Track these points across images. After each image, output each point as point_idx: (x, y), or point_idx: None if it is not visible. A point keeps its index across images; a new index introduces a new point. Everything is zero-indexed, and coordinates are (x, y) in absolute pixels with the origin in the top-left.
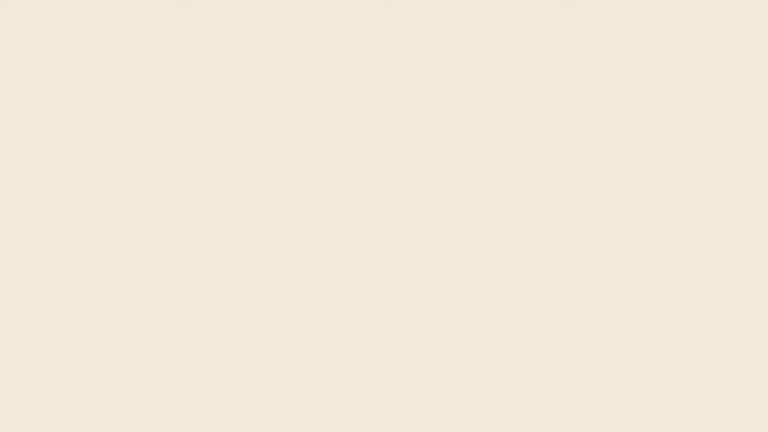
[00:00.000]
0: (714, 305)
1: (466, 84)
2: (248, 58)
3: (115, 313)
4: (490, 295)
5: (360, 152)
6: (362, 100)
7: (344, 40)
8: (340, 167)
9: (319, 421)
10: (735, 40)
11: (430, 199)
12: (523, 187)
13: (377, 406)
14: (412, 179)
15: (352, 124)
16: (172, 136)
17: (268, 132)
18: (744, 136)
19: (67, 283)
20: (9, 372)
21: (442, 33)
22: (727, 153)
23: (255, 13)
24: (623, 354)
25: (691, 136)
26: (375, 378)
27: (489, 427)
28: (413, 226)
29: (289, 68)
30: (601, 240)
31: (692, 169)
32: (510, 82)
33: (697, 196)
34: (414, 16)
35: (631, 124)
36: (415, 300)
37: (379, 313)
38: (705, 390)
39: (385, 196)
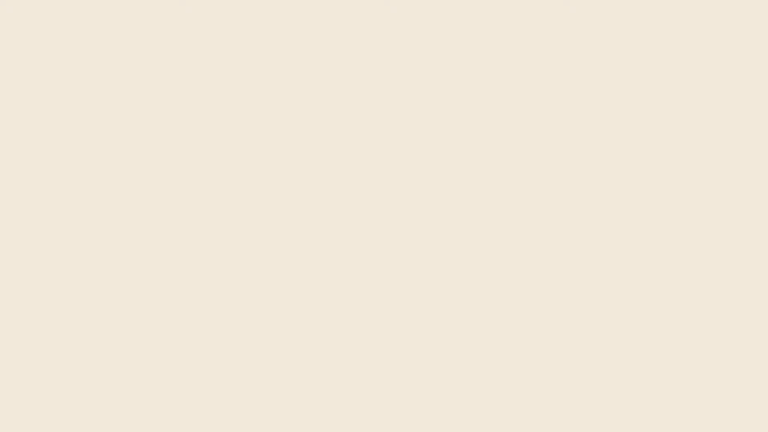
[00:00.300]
0: (714, 305)
1: (466, 84)
2: (248, 58)
3: (115, 313)
4: (491, 295)
5: (360, 152)
6: (362, 100)
7: (344, 40)
8: (340, 167)
9: (319, 421)
10: (735, 40)
11: (430, 199)
12: (523, 187)
13: (377, 406)
14: (412, 179)
15: (352, 124)
16: (172, 136)
17: (268, 132)
18: (744, 136)
19: (67, 283)
20: (9, 372)
21: (442, 33)
22: (727, 153)
23: (255, 13)
24: (623, 354)
25: (691, 136)
26: (375, 378)
27: (489, 427)
28: (413, 226)
29: (289, 68)
30: (601, 240)
31: (692, 169)
32: (510, 82)
33: (697, 196)
34: (414, 16)
35: (631, 124)
36: (415, 300)
37: (379, 313)
38: (705, 390)
39: (385, 196)
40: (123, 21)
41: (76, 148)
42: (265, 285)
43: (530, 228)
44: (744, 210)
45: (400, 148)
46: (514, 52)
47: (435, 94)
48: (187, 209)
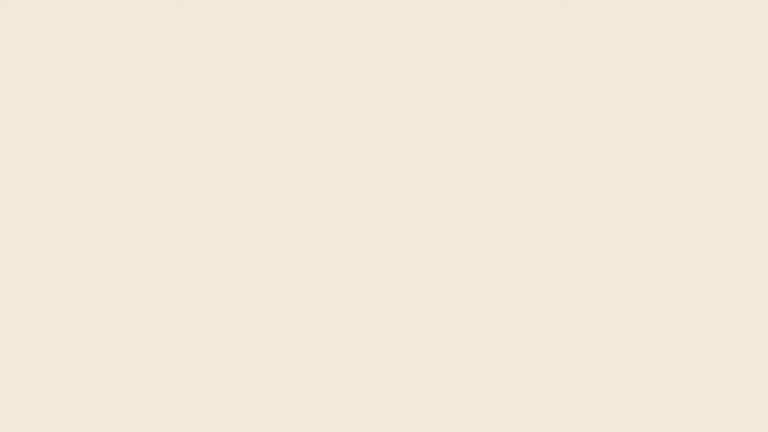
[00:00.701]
0: (714, 305)
1: (466, 84)
2: (248, 58)
3: (115, 313)
4: (490, 295)
5: (360, 152)
6: (362, 100)
7: (344, 40)
8: (340, 167)
9: (319, 421)
10: (735, 40)
11: (430, 199)
12: (523, 187)
13: (377, 406)
14: (412, 179)
15: (352, 124)
16: (172, 136)
17: (268, 132)
18: (744, 136)
19: (67, 283)
20: (9, 372)
21: (442, 33)
22: (727, 153)
23: (255, 13)
24: (623, 354)
25: (691, 136)
26: (375, 378)
27: (489, 427)
28: (413, 226)
29: (289, 68)
30: (601, 240)
31: (692, 169)
32: (510, 82)
33: (697, 196)
34: (414, 16)
35: (631, 124)
36: (415, 300)
37: (379, 313)
38: (705, 390)
39: (385, 196)
40: (123, 21)
41: (76, 148)
42: (265, 285)
43: (530, 228)
44: (744, 210)
45: (400, 148)
46: (514, 52)
47: (435, 94)
48: (187, 209)
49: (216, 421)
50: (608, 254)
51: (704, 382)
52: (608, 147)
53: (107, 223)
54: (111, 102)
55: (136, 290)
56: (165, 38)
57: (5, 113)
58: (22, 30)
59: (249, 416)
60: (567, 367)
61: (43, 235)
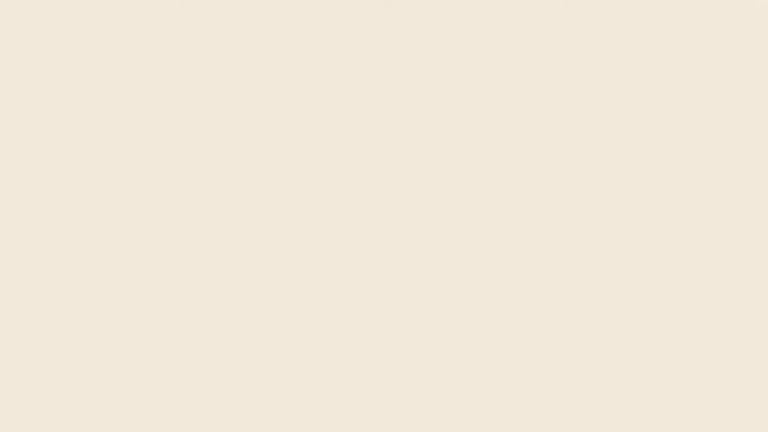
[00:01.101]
0: (714, 305)
1: (466, 84)
2: (248, 58)
3: (115, 313)
4: (490, 295)
5: (360, 152)
6: (362, 100)
7: (344, 40)
8: (340, 167)
9: (319, 421)
10: (735, 40)
11: (430, 199)
12: (523, 187)
13: (377, 406)
14: (412, 179)
15: (352, 124)
16: (172, 136)
17: (268, 132)
18: (744, 136)
19: (67, 283)
20: (9, 372)
21: (442, 33)
22: (727, 153)
23: (255, 13)
24: (623, 354)
25: (691, 136)
26: (375, 378)
27: (489, 427)
28: (413, 226)
29: (289, 68)
30: (600, 240)
31: (692, 169)
32: (510, 82)
33: (697, 197)
34: (414, 16)
35: (631, 124)
36: (415, 300)
37: (378, 313)
38: (705, 390)
39: (385, 196)
40: (123, 21)
41: (76, 148)
42: (265, 286)
43: (530, 229)
44: (744, 210)
45: (400, 149)
46: (513, 52)
47: (435, 94)
48: (187, 209)
49: (216, 421)
50: (608, 255)
51: (704, 382)
52: (608, 148)
53: (107, 224)
54: (111, 102)
55: (136, 291)
56: (165, 38)
57: (5, 113)
58: (22, 30)
59: (249, 416)
60: (567, 368)
61: (43, 235)
